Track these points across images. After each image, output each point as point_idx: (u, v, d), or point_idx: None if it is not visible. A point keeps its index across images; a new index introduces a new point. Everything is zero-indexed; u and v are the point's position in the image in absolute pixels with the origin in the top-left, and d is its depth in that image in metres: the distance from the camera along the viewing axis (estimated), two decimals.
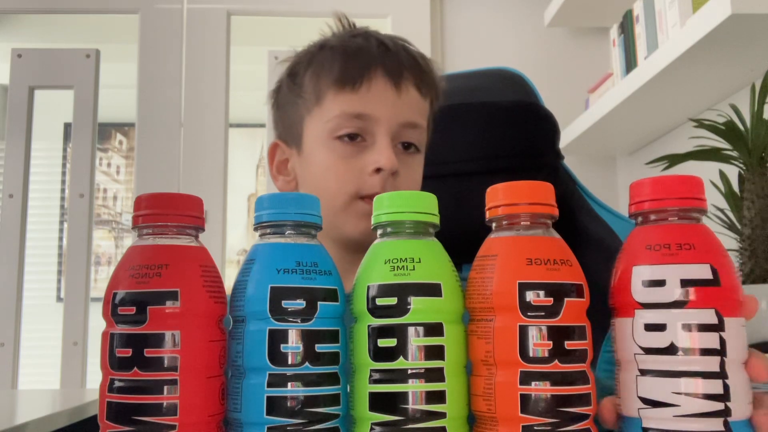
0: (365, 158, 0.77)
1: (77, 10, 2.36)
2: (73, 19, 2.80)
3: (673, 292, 0.45)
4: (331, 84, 0.78)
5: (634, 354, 0.46)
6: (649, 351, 0.46)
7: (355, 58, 0.79)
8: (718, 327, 0.45)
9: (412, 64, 0.81)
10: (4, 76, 2.01)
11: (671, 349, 0.45)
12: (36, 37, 3.04)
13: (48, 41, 2.99)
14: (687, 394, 0.44)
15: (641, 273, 0.46)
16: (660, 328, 0.45)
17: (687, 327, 0.45)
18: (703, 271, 0.45)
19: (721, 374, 0.44)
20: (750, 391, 0.46)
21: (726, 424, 0.44)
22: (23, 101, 1.93)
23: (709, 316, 0.45)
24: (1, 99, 3.04)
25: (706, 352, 0.44)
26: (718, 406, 0.44)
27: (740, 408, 0.45)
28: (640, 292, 0.46)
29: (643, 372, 0.46)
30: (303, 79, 0.82)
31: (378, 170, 0.76)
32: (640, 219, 0.49)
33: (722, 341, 0.45)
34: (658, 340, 0.45)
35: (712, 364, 0.44)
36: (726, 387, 0.44)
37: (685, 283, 0.45)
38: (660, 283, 0.46)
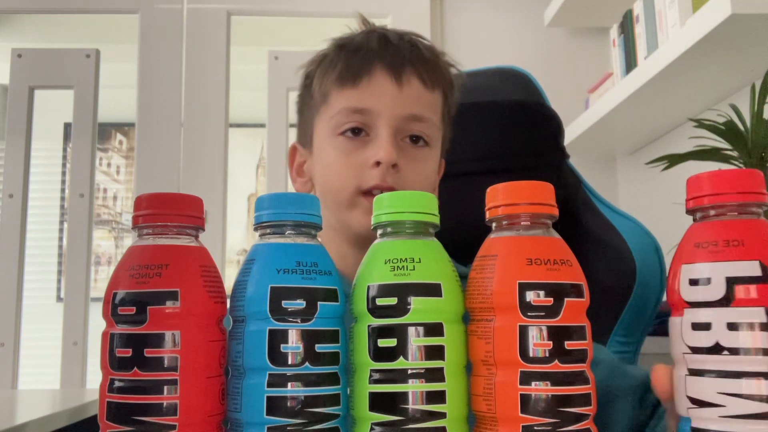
0: (366, 152, 0.77)
1: (77, 10, 2.36)
2: (73, 19, 2.80)
3: (718, 290, 0.44)
4: (334, 81, 0.79)
5: (683, 353, 0.45)
6: (695, 350, 0.45)
7: (356, 54, 0.80)
8: (766, 326, 0.43)
9: (416, 57, 0.80)
10: (4, 76, 2.01)
11: (716, 349, 0.44)
12: (36, 37, 3.04)
13: (48, 41, 2.99)
14: (734, 395, 0.43)
15: (689, 271, 0.45)
16: (705, 327, 0.44)
17: (733, 326, 0.43)
18: (752, 268, 0.43)
19: None
20: None
21: None
22: (23, 101, 1.93)
23: (758, 315, 0.43)
24: (1, 99, 3.04)
25: (754, 351, 0.43)
26: (765, 407, 0.42)
27: None
28: (687, 291, 0.45)
29: (692, 372, 0.45)
30: (312, 81, 0.83)
31: (378, 164, 0.76)
32: (698, 215, 0.47)
33: None
34: (703, 339, 0.44)
35: (760, 364, 0.43)
36: None
37: (732, 280, 0.43)
38: (706, 281, 0.44)
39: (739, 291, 0.43)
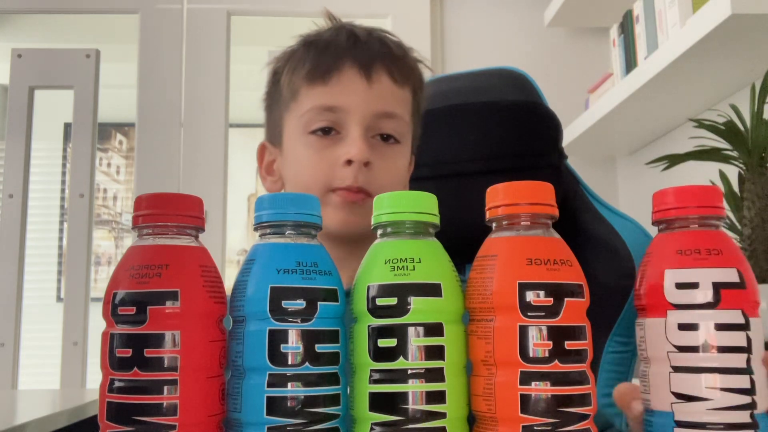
0: (337, 151, 0.77)
1: (77, 10, 2.36)
2: (73, 19, 2.80)
3: (705, 294, 0.47)
4: (304, 79, 0.79)
5: (667, 352, 0.48)
6: (682, 349, 0.47)
7: (325, 51, 0.79)
8: (744, 326, 0.47)
9: (385, 53, 0.80)
10: (4, 76, 2.01)
11: (704, 347, 0.47)
12: (36, 37, 3.04)
13: (48, 41, 2.99)
14: (719, 389, 0.46)
15: (673, 276, 0.48)
16: (693, 327, 0.48)
17: (720, 326, 0.47)
18: (731, 275, 0.48)
19: (748, 370, 0.47)
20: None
21: (752, 416, 0.46)
22: (23, 101, 1.93)
23: (737, 317, 0.47)
24: (1, 99, 3.04)
25: (735, 349, 0.47)
26: (746, 399, 0.46)
27: (763, 401, 0.47)
28: (672, 294, 0.48)
29: (677, 368, 0.48)
30: (281, 77, 0.83)
31: (349, 162, 0.76)
32: (663, 226, 0.51)
33: (748, 340, 0.47)
34: (691, 338, 0.47)
35: (740, 360, 0.47)
36: (752, 382, 0.47)
37: (718, 285, 0.47)
38: (693, 285, 0.48)
39: (725, 295, 0.47)
